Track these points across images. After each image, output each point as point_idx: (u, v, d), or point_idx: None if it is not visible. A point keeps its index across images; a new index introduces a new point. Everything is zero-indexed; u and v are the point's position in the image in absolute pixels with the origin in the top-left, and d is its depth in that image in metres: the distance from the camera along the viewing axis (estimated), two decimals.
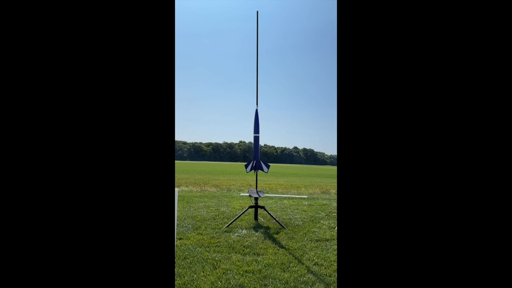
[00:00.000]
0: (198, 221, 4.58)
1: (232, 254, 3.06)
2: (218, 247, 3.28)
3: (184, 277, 2.46)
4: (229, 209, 5.75)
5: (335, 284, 2.40)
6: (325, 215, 5.37)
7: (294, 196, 8.31)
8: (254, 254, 3.09)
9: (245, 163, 4.73)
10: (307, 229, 4.24)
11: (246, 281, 2.39)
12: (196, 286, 2.31)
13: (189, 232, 3.90)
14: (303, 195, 8.62)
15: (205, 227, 4.17)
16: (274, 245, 3.43)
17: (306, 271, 2.66)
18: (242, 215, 4.62)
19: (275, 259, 2.92)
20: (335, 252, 3.22)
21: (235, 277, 2.48)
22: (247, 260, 2.89)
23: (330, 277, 2.54)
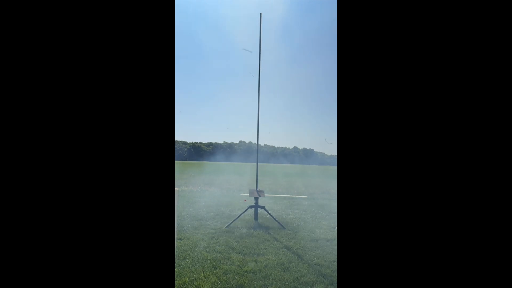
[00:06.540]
0: (198, 220, 4.58)
1: (232, 254, 3.06)
2: (218, 247, 3.28)
3: (184, 277, 2.46)
4: (229, 209, 5.75)
5: (335, 284, 2.40)
6: (325, 215, 5.37)
7: (294, 196, 8.31)
8: (254, 254, 3.09)
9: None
10: (307, 229, 4.25)
11: (246, 281, 2.39)
12: (196, 286, 2.31)
13: (189, 232, 3.90)
14: (303, 195, 8.62)
15: (205, 227, 4.17)
16: (274, 245, 3.43)
17: (306, 271, 2.66)
18: (242, 215, 4.63)
19: (275, 259, 2.92)
20: (335, 252, 3.22)
21: (235, 277, 2.48)
22: (247, 260, 2.89)
23: (330, 277, 2.54)
